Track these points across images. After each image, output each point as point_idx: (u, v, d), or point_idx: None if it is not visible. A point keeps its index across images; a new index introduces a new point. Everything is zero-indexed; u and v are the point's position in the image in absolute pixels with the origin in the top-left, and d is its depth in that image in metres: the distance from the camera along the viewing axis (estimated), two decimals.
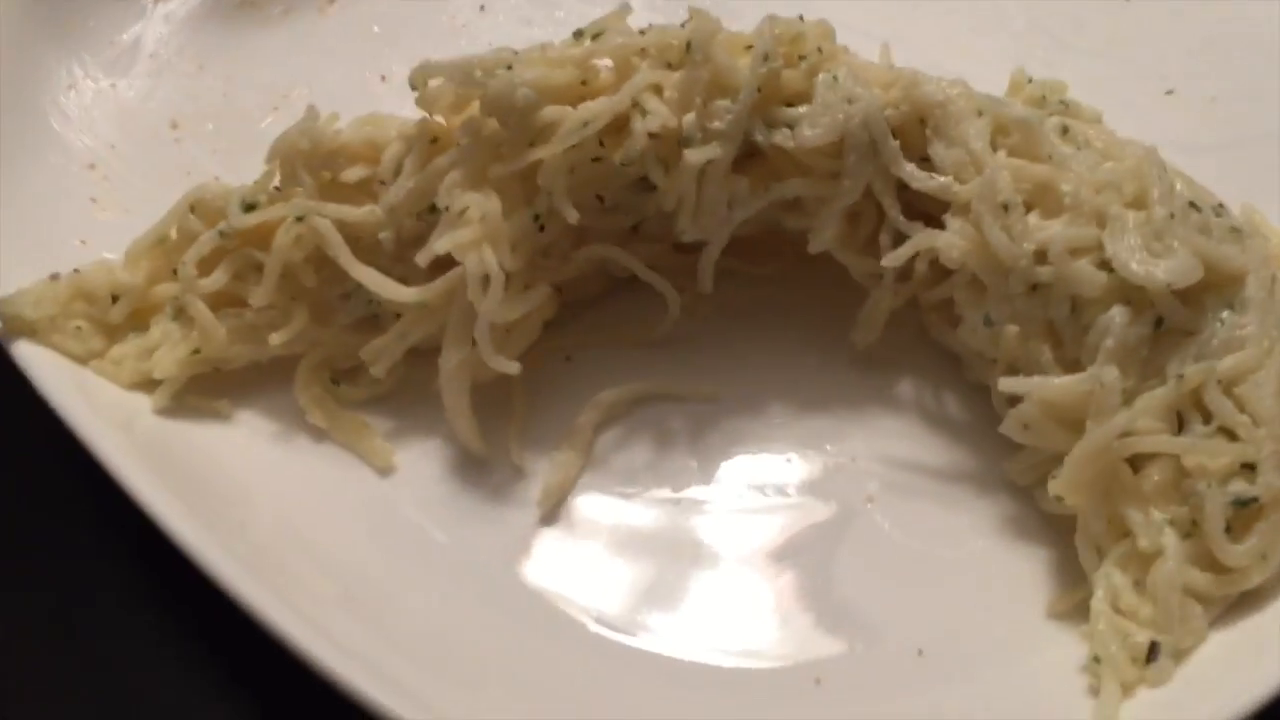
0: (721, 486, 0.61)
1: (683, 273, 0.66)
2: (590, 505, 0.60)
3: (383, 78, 0.80)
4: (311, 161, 0.63)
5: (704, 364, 0.65)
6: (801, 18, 0.63)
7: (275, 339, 0.62)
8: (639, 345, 0.66)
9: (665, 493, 0.61)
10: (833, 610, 0.56)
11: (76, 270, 0.64)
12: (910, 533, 0.58)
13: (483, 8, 0.85)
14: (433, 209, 0.61)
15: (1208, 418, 0.53)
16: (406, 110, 0.64)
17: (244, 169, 0.67)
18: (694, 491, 0.61)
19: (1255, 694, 0.46)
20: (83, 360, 0.62)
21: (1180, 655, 0.50)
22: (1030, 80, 0.73)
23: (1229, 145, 0.72)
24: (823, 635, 0.55)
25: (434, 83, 0.61)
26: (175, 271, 0.63)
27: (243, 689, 0.58)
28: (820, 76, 0.61)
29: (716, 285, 0.65)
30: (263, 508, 0.60)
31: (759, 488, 0.61)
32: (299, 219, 0.61)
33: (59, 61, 0.77)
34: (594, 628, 0.56)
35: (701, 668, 0.54)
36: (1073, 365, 0.56)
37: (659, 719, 0.53)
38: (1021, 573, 0.56)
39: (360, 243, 0.62)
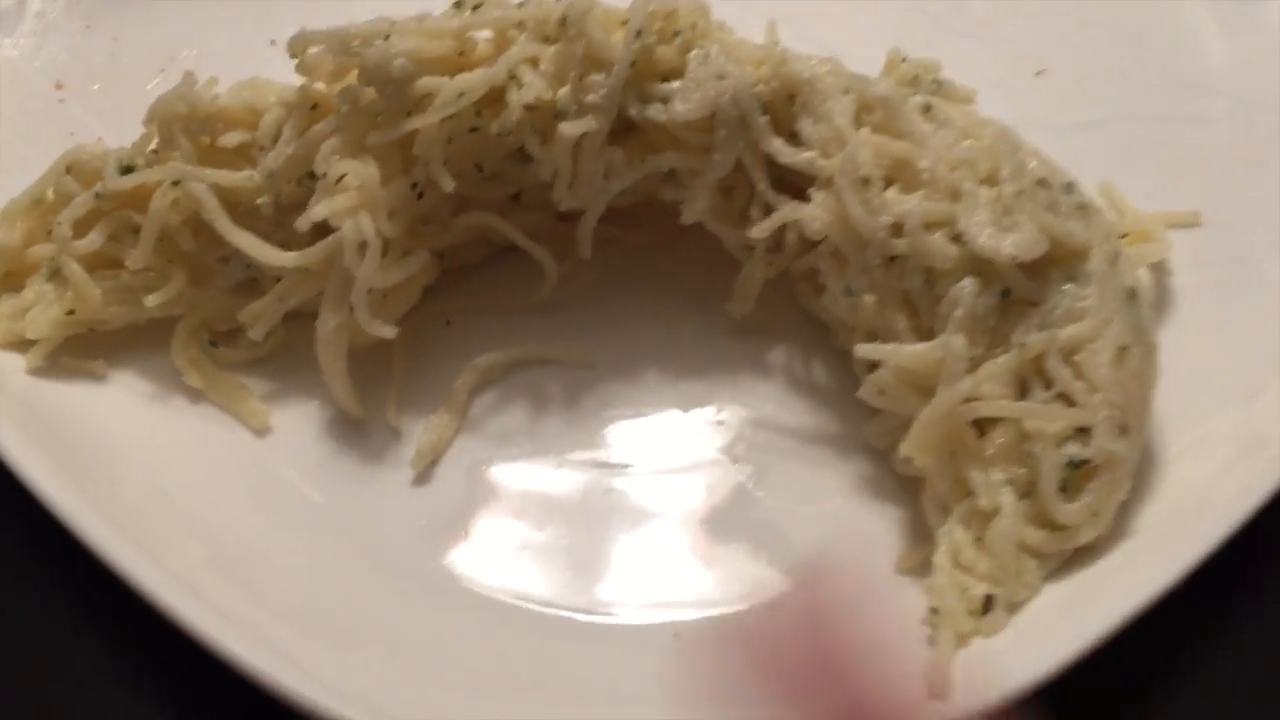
0: (593, 449, 0.62)
1: (563, 240, 0.67)
2: (463, 466, 0.62)
3: (272, 41, 0.79)
4: (189, 126, 0.63)
5: (582, 330, 0.67)
6: None
7: (151, 301, 0.62)
8: (518, 311, 0.67)
9: (537, 454, 0.62)
10: (694, 566, 0.58)
11: None
12: (773, 492, 0.61)
13: None
14: (312, 175, 0.62)
15: (1048, 384, 0.56)
16: (295, 74, 0.65)
17: (129, 130, 0.67)
18: (565, 454, 0.62)
19: (1079, 643, 0.49)
20: None
21: (1014, 607, 0.53)
22: (905, 59, 0.75)
23: (1094, 125, 0.75)
24: (683, 590, 0.57)
25: (312, 51, 0.62)
26: (51, 233, 0.63)
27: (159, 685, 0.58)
28: (693, 53, 0.62)
29: (595, 253, 0.67)
30: (137, 468, 0.60)
31: (629, 450, 0.62)
32: (176, 183, 0.62)
33: None
34: (464, 584, 0.58)
35: (564, 621, 0.56)
36: (927, 334, 0.58)
37: (525, 670, 0.55)
38: (875, 530, 0.59)
39: (239, 207, 0.63)
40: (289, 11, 0.82)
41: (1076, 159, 0.67)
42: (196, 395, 0.64)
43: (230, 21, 0.82)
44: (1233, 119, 0.74)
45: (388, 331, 0.61)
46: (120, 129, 0.71)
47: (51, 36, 0.81)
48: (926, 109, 0.63)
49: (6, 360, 0.62)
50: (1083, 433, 0.54)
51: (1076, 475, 0.54)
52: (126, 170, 0.63)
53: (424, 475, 0.62)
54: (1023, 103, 0.76)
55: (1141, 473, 0.57)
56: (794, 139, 0.62)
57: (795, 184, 0.63)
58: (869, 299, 0.59)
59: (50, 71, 0.79)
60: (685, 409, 0.64)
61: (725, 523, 0.60)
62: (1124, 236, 0.66)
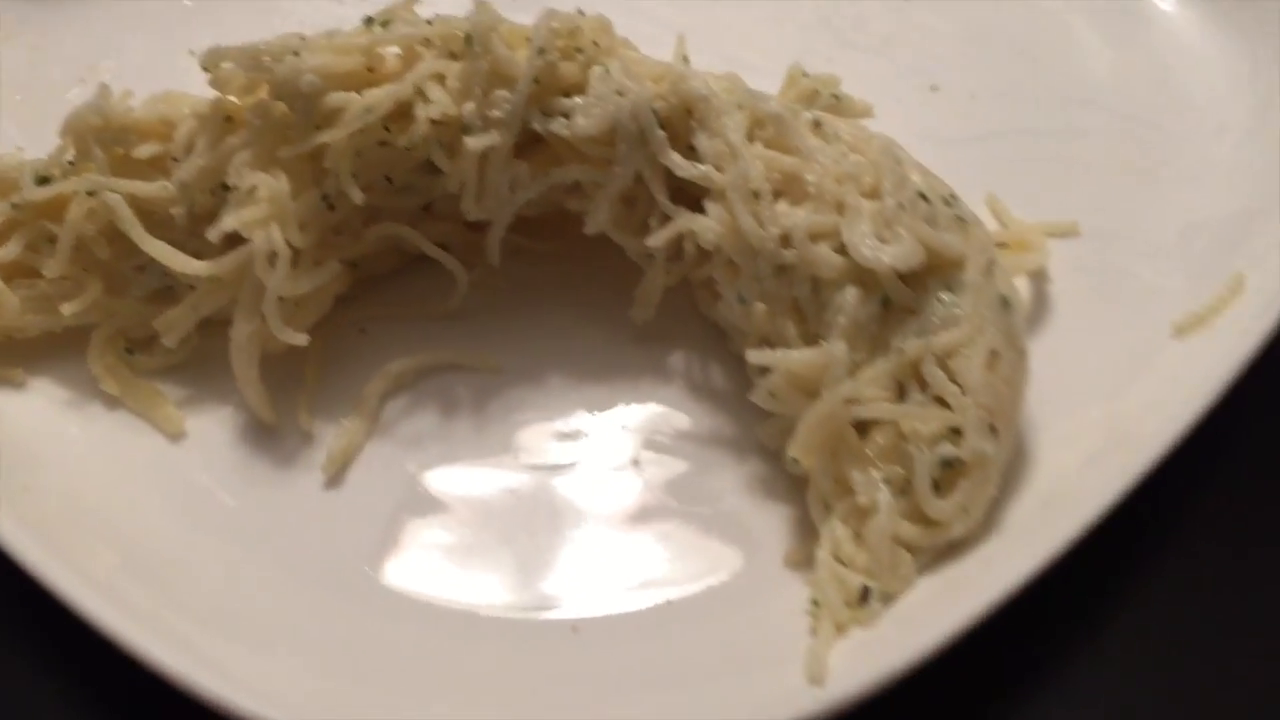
0: (500, 452, 0.65)
1: (473, 249, 0.70)
2: (374, 469, 0.64)
3: (191, 51, 0.81)
4: (103, 137, 0.65)
5: (491, 336, 0.69)
6: (581, 12, 0.67)
7: (68, 309, 0.64)
8: (430, 318, 0.69)
9: (446, 457, 0.65)
10: (593, 565, 0.61)
11: None
12: (670, 492, 0.63)
13: None
14: (225, 186, 0.64)
15: (924, 387, 0.59)
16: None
17: (49, 140, 0.69)
18: (473, 456, 0.65)
19: (946, 631, 0.52)
20: None
21: (889, 599, 0.56)
22: (805, 75, 0.79)
23: (983, 138, 0.79)
24: (582, 587, 0.60)
25: (225, 66, 0.64)
26: None
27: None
28: (594, 69, 0.65)
29: (505, 262, 0.69)
30: (54, 474, 0.62)
31: (534, 452, 0.65)
32: (91, 193, 0.64)
33: None
34: (373, 582, 0.60)
35: (469, 616, 0.59)
36: (814, 340, 0.61)
37: (432, 664, 0.57)
38: (766, 527, 0.62)
39: (153, 217, 0.65)
40: (207, 22, 0.84)
41: (965, 171, 0.70)
42: (112, 401, 0.65)
43: (148, 32, 0.83)
44: (1114, 133, 0.79)
45: (299, 339, 0.63)
46: (41, 138, 0.72)
47: None
48: (816, 125, 0.66)
49: None
50: (955, 433, 0.58)
51: (949, 473, 0.57)
52: (43, 181, 0.65)
53: (336, 479, 0.64)
54: (918, 117, 0.80)
55: (1014, 469, 0.61)
56: (691, 153, 0.65)
57: (694, 195, 0.66)
58: (760, 306, 0.63)
59: None
60: (589, 412, 0.67)
61: (625, 522, 0.62)
62: (1005, 245, 0.70)
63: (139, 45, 0.83)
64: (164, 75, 0.74)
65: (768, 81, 0.75)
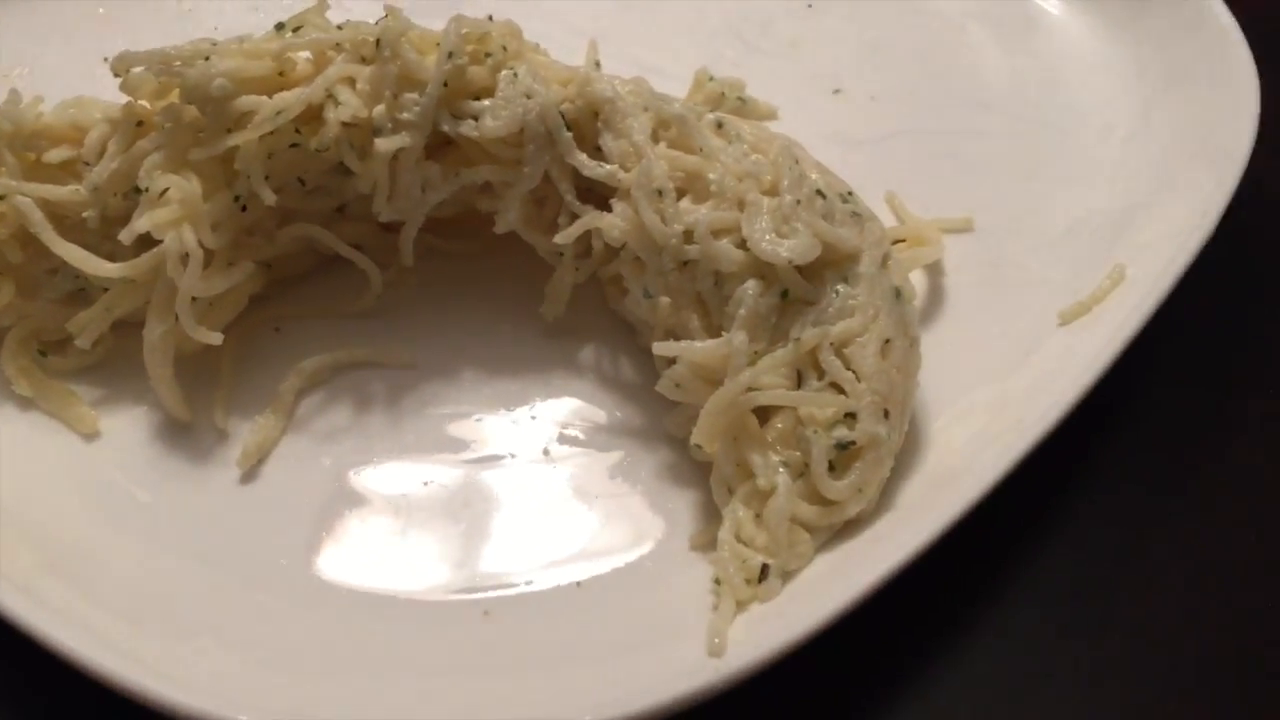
0: (412, 445, 0.66)
1: (387, 249, 0.71)
2: (289, 464, 0.65)
3: (105, 58, 0.81)
4: (14, 142, 0.65)
5: (405, 334, 0.71)
6: (490, 18, 0.69)
7: None
8: (345, 316, 0.71)
9: (360, 451, 0.66)
10: (506, 552, 0.62)
11: None
12: (581, 481, 0.65)
13: None
14: (137, 189, 0.65)
15: (821, 375, 0.61)
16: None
17: None
18: (386, 450, 0.66)
19: (841, 603, 0.55)
20: None
21: (788, 575, 0.59)
22: (712, 78, 0.81)
23: (884, 139, 0.82)
24: (494, 573, 0.61)
25: (135, 70, 0.65)
26: None
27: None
28: (502, 73, 0.67)
29: (418, 261, 0.71)
30: None
31: (447, 445, 0.66)
32: (2, 197, 0.64)
33: None
34: (291, 572, 0.61)
35: (384, 600, 0.60)
36: (717, 332, 0.64)
37: (348, 647, 0.58)
38: (673, 512, 0.64)
39: (66, 221, 0.66)
40: (120, 29, 0.85)
41: (867, 170, 0.74)
42: (26, 403, 0.66)
43: (62, 40, 0.84)
44: (1007, 134, 0.82)
45: (213, 338, 0.64)
46: None
47: None
48: (718, 126, 0.68)
49: None
50: (850, 418, 0.60)
51: (844, 456, 0.60)
52: None
53: (251, 474, 0.65)
54: (821, 118, 0.83)
55: (907, 450, 0.63)
56: (598, 153, 0.67)
57: (601, 194, 0.68)
58: (665, 300, 0.65)
59: None
60: (502, 406, 0.68)
61: (537, 510, 0.64)
62: (903, 241, 0.73)
63: (52, 52, 0.83)
64: (77, 82, 0.75)
65: (678, 85, 0.78)
